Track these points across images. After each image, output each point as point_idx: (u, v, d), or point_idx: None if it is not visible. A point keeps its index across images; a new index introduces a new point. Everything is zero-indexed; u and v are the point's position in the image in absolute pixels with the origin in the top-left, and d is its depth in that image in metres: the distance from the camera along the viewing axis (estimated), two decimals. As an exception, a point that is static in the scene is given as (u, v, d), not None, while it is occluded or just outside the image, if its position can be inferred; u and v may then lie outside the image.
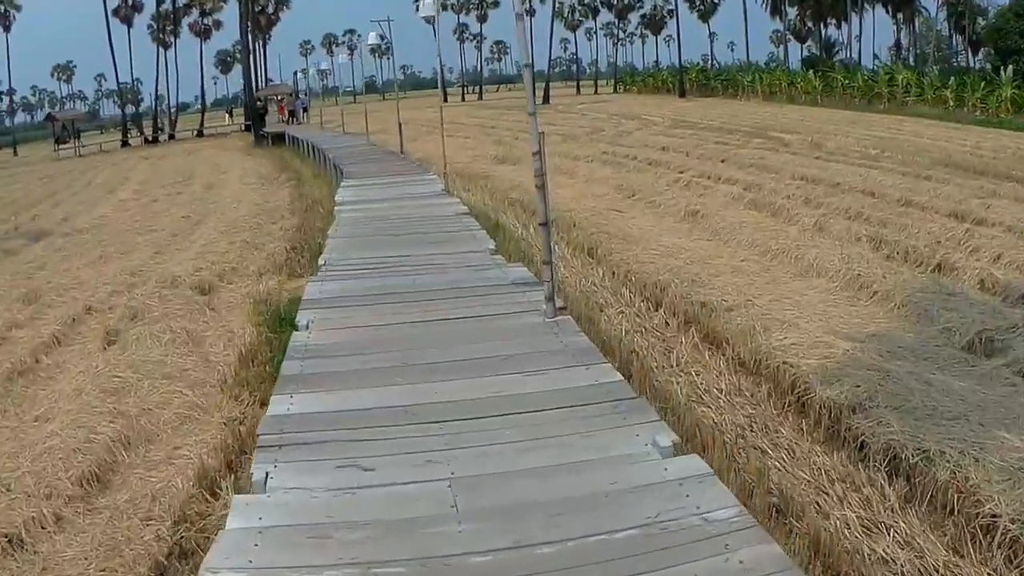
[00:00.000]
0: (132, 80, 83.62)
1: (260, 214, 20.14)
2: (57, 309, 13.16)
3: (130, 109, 79.12)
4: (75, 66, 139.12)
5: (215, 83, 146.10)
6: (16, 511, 6.38)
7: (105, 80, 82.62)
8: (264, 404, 6.20)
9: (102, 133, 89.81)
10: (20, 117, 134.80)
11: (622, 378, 5.62)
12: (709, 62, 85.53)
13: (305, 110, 58.34)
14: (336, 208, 14.26)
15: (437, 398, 5.37)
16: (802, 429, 7.01)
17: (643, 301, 10.66)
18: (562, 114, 50.84)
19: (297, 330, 7.10)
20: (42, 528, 6.22)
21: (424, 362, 6.14)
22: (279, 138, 44.74)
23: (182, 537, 5.89)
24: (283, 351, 6.83)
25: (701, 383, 8.05)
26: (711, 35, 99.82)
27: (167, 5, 77.87)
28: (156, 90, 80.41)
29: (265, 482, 4.27)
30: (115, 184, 34.95)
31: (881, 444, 6.30)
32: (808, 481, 6.15)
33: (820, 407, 7.07)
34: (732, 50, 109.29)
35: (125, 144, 67.79)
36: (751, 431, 7.05)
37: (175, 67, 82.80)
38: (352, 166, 21.64)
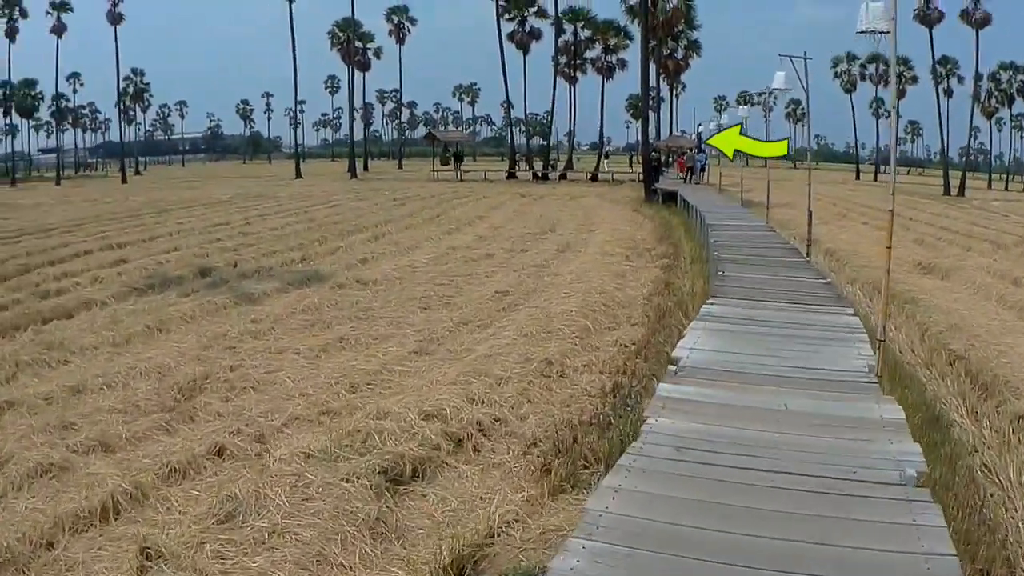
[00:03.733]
0: (524, 109, 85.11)
1: (599, 309, 15.05)
2: (190, 430, 9.13)
3: (537, 141, 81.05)
4: (479, 88, 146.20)
5: (627, 127, 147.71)
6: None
7: (512, 108, 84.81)
8: None
9: (502, 160, 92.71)
10: (421, 131, 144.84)
11: None
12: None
13: (703, 168, 53.87)
14: (659, 388, 7.53)
15: None
16: None
17: None
18: (980, 211, 45.70)
19: None
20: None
21: None
22: (670, 197, 40.57)
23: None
24: None
25: None
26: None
27: (567, 37, 77.72)
28: (550, 123, 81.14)
29: None
30: (464, 222, 32.21)
31: None
32: None
33: None
34: None
35: (511, 176, 67.69)
36: None
37: (572, 103, 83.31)
38: (733, 266, 15.77)
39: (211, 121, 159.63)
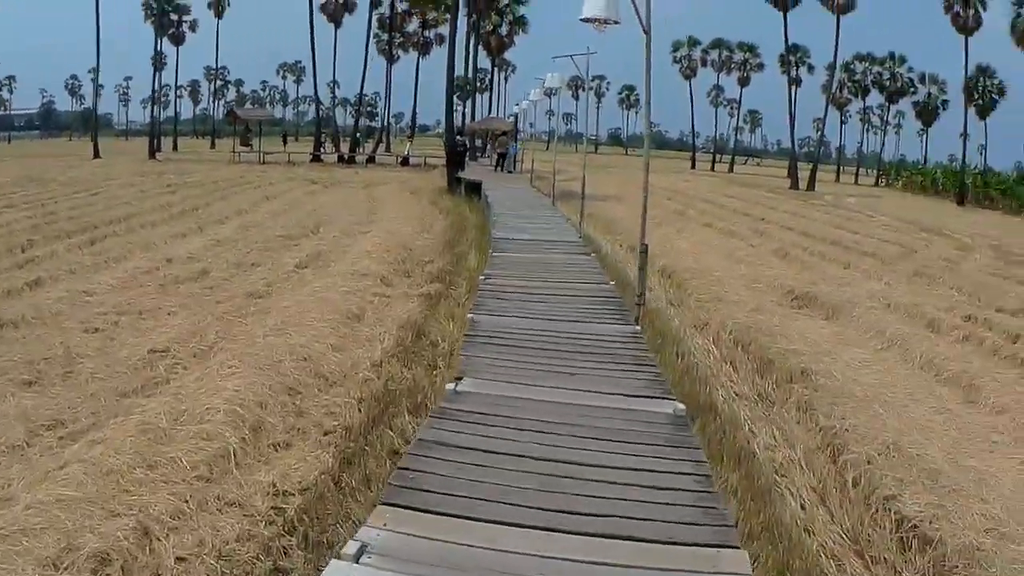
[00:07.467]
0: (333, 87, 79.15)
1: (273, 404, 8.95)
2: None
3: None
4: (303, 67, 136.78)
5: (459, 109, 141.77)
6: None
7: (339, 87, 78.70)
8: None
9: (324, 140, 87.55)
10: (248, 109, 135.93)
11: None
12: (979, 164, 72.56)
13: (514, 158, 48.57)
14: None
15: None
16: None
17: None
18: (838, 209, 41.92)
19: None
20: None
21: None
22: (474, 189, 33.97)
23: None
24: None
25: None
26: (964, 135, 71.34)
27: (384, 9, 71.15)
28: (359, 103, 75.23)
29: None
30: (216, 219, 25.89)
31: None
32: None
33: None
34: (981, 153, 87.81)
35: (316, 159, 61.22)
36: None
37: (388, 81, 77.98)
38: (491, 360, 8.44)
39: (44, 97, 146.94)
